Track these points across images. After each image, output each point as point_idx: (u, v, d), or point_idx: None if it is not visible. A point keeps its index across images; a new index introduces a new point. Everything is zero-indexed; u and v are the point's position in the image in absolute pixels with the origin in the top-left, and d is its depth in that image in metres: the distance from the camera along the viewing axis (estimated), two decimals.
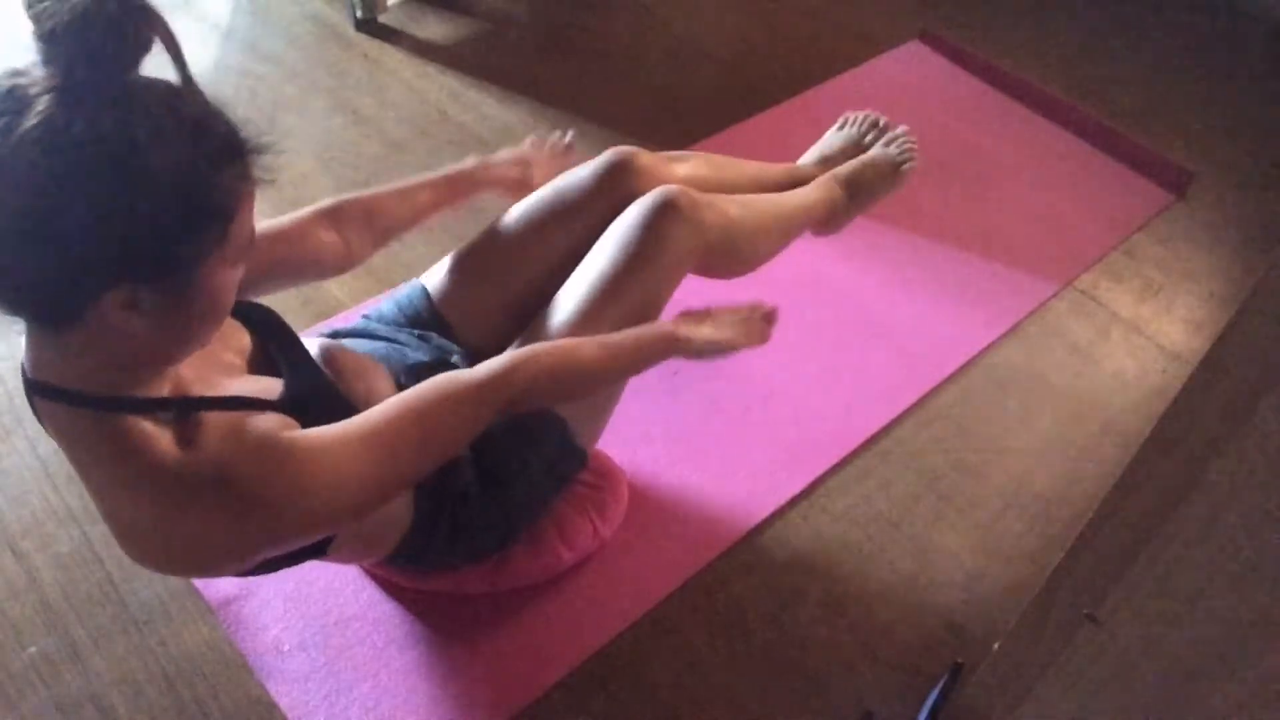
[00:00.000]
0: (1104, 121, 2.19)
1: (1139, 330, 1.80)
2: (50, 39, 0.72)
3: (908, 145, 1.66)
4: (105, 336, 0.78)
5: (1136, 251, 1.95)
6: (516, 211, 1.32)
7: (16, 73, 0.73)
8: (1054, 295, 1.83)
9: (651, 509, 1.42)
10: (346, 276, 1.70)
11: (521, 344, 1.22)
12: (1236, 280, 1.91)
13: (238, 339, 1.01)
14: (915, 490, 1.51)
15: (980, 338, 1.73)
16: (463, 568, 1.25)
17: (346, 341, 1.21)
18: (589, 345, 1.12)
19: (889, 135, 1.68)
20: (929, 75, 2.35)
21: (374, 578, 1.31)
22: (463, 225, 1.82)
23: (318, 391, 1.00)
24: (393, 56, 2.21)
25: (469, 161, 1.35)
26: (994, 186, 2.05)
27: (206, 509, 0.82)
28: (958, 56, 2.37)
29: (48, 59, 0.72)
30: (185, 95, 0.78)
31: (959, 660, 1.26)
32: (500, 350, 1.21)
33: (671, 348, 1.19)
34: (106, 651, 1.24)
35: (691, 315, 1.27)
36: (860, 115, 1.72)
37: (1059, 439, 1.60)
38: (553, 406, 1.21)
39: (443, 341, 1.27)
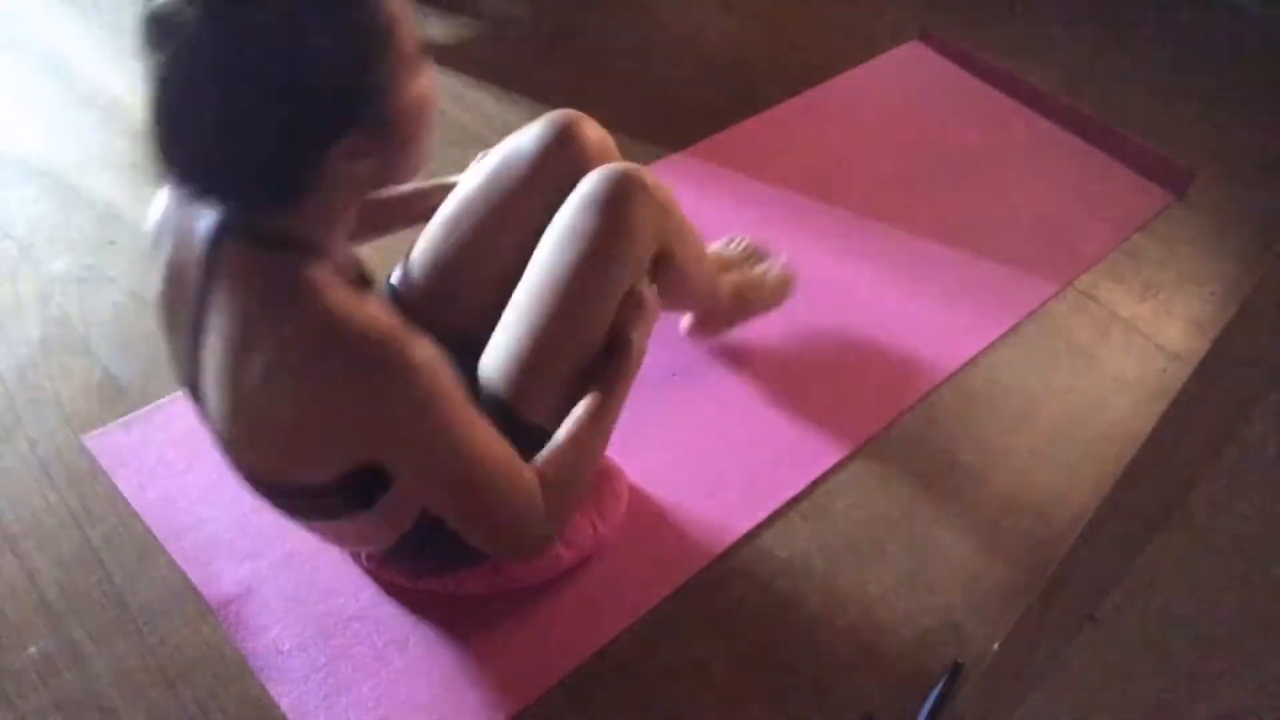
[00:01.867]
0: (1104, 121, 2.19)
1: (1139, 330, 1.80)
2: None
3: (787, 274, 1.61)
4: (341, 187, 0.85)
5: (1136, 251, 1.95)
6: (462, 193, 1.28)
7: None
8: (1054, 295, 1.83)
9: (651, 509, 1.42)
10: None
11: (491, 353, 1.20)
12: (1236, 280, 1.91)
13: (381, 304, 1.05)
14: (915, 490, 1.51)
15: (980, 338, 1.73)
16: (460, 569, 1.25)
17: None
18: (577, 420, 1.13)
19: (770, 261, 1.63)
20: (929, 75, 2.35)
21: (374, 578, 1.31)
22: None
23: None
24: None
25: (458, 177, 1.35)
26: (994, 187, 2.05)
27: (363, 367, 0.86)
28: (958, 56, 2.37)
29: None
30: None
31: (959, 660, 1.26)
32: (477, 338, 1.21)
33: (632, 348, 1.18)
34: (106, 651, 1.24)
35: (631, 301, 1.20)
36: (742, 240, 1.65)
37: (1059, 439, 1.60)
38: (544, 419, 1.18)
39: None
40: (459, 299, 1.28)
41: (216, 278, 0.90)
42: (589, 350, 1.18)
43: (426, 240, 1.30)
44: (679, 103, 2.19)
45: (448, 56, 2.22)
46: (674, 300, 1.41)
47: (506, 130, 2.02)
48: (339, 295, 0.86)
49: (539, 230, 1.22)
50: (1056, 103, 2.23)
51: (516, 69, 2.22)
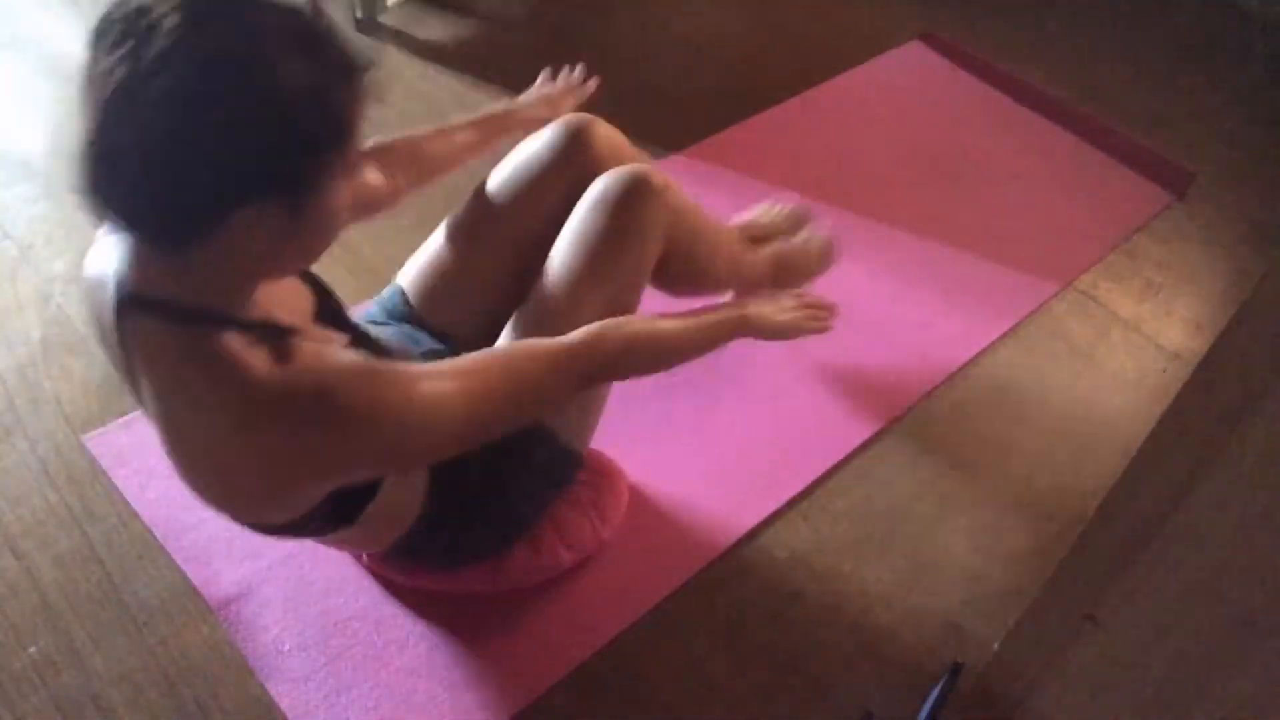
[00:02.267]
0: (1104, 121, 2.19)
1: (1139, 330, 1.80)
2: None
3: (829, 240, 1.59)
4: (228, 254, 0.81)
5: (1136, 251, 1.95)
6: (473, 198, 1.29)
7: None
8: (1054, 295, 1.83)
9: (652, 509, 1.42)
10: (346, 275, 1.71)
11: (509, 336, 1.20)
12: (1236, 280, 1.91)
13: (305, 298, 1.02)
14: (915, 490, 1.51)
15: (980, 338, 1.73)
16: (460, 568, 1.25)
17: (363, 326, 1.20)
18: (670, 320, 1.15)
19: (812, 228, 1.61)
20: (929, 75, 2.35)
21: (375, 577, 1.31)
22: None
23: (372, 347, 1.03)
24: (393, 57, 2.21)
25: (499, 105, 1.37)
26: (994, 186, 2.05)
27: (299, 421, 0.83)
28: (958, 56, 2.37)
29: None
30: (304, 13, 0.79)
31: (959, 660, 1.26)
32: (487, 341, 1.20)
33: (743, 326, 1.21)
34: (106, 651, 1.23)
35: (762, 297, 1.27)
36: (780, 206, 1.64)
37: (1059, 439, 1.60)
38: (548, 416, 1.19)
39: (430, 341, 1.26)
40: (464, 300, 1.28)
41: (131, 349, 0.87)
42: None
43: (435, 241, 1.31)
44: (679, 103, 2.19)
45: (448, 56, 2.22)
46: (701, 290, 1.43)
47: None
48: (253, 360, 0.82)
49: (548, 233, 1.23)
50: (1056, 103, 2.23)
51: (516, 69, 2.21)
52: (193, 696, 1.20)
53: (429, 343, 1.26)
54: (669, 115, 2.15)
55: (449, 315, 1.28)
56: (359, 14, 2.26)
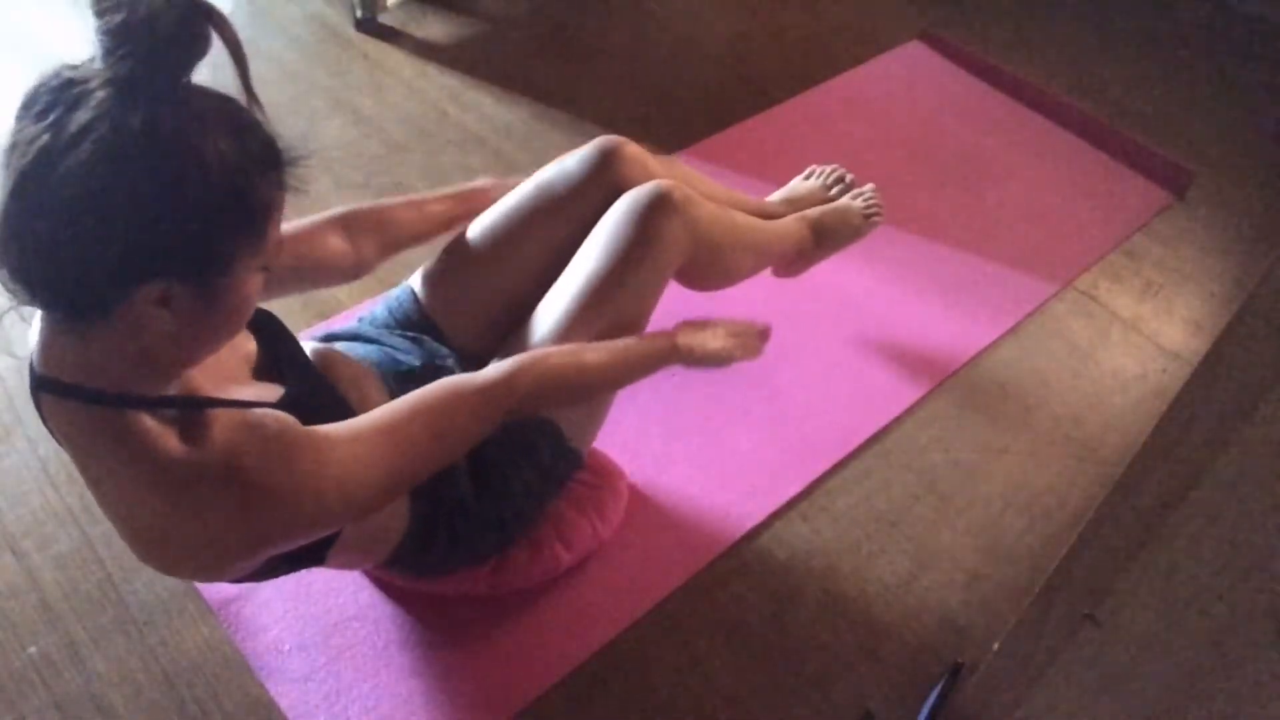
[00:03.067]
0: (1104, 121, 2.19)
1: (1139, 330, 1.80)
2: (114, 34, 0.72)
3: (873, 201, 1.62)
4: (132, 333, 0.79)
5: (1136, 251, 1.95)
6: (501, 208, 1.31)
7: (72, 66, 0.73)
8: (1054, 295, 1.83)
9: (652, 509, 1.42)
10: None
11: (513, 345, 1.22)
12: (1236, 280, 1.91)
13: (244, 346, 1.01)
14: (915, 490, 1.51)
15: (980, 338, 1.73)
16: (460, 568, 1.25)
17: (339, 345, 1.21)
18: (593, 351, 1.14)
19: (856, 190, 1.65)
20: (929, 75, 2.35)
21: (374, 579, 1.31)
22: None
23: (318, 394, 1.01)
24: (393, 56, 2.21)
25: (482, 180, 1.36)
26: (994, 186, 2.05)
27: (214, 502, 0.81)
28: (958, 56, 2.37)
29: (108, 53, 0.72)
30: (234, 101, 0.79)
31: (959, 660, 1.26)
32: (492, 350, 1.22)
33: (672, 356, 1.21)
34: (106, 651, 1.24)
35: (692, 324, 1.27)
36: (828, 168, 1.68)
37: (1059, 439, 1.60)
38: (552, 411, 1.21)
39: (434, 345, 1.26)
40: (479, 309, 1.29)
41: (50, 428, 0.87)
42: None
43: (456, 248, 1.32)
44: (679, 103, 2.19)
45: (448, 56, 2.22)
46: (732, 284, 1.45)
47: (506, 130, 2.03)
48: (161, 442, 0.81)
49: (567, 249, 1.25)
50: (1056, 103, 2.23)
51: (516, 69, 2.22)
52: (193, 696, 1.20)
53: (429, 350, 1.25)
54: (669, 115, 2.15)
55: (460, 321, 1.29)
56: (359, 14, 2.26)
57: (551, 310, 1.21)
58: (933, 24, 2.46)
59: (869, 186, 1.65)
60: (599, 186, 1.28)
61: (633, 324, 1.23)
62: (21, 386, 1.50)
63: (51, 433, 0.88)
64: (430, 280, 1.32)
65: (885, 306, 1.76)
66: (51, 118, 0.71)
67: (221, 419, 0.85)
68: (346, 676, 1.23)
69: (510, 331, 1.26)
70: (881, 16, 2.52)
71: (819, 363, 1.65)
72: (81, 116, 0.70)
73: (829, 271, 1.80)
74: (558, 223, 1.28)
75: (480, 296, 1.30)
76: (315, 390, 1.01)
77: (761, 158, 2.04)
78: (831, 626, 1.34)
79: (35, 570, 1.31)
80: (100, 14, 0.72)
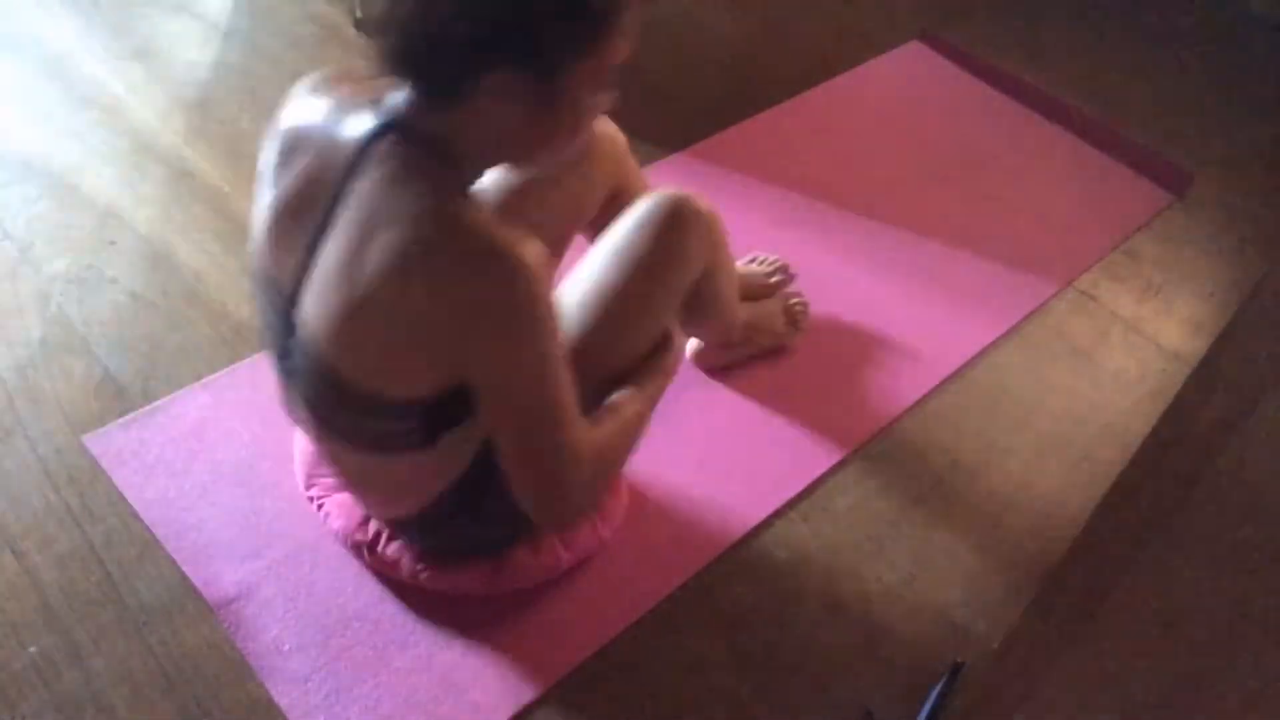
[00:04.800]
0: (1104, 121, 2.19)
1: (1139, 330, 1.80)
2: None
3: (800, 306, 1.65)
4: (481, 121, 0.91)
5: (1136, 251, 1.95)
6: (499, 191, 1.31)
7: None
8: (1054, 295, 1.83)
9: (652, 509, 1.42)
10: None
11: None
12: (1236, 280, 1.91)
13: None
14: (915, 490, 1.51)
15: (980, 338, 1.73)
16: (471, 554, 1.26)
17: None
18: (620, 409, 1.16)
19: (792, 289, 1.67)
20: (929, 75, 2.35)
21: (377, 576, 1.31)
22: None
23: None
24: None
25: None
26: (994, 186, 2.05)
27: (473, 260, 0.90)
28: (958, 56, 2.37)
29: None
30: None
31: (959, 660, 1.26)
32: None
33: (669, 380, 1.26)
34: (106, 651, 1.24)
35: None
36: (770, 256, 1.70)
37: (1059, 439, 1.60)
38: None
39: None
40: None
41: (360, 170, 0.95)
42: (626, 364, 1.21)
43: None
44: (679, 102, 2.19)
45: None
46: (696, 328, 1.47)
47: None
48: (469, 202, 0.92)
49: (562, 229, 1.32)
50: (1056, 103, 2.23)
51: None
52: (193, 696, 1.20)
53: None
54: (669, 115, 2.15)
55: None
56: (359, 13, 2.26)
57: (580, 320, 1.18)
58: (933, 24, 2.46)
59: (798, 291, 1.67)
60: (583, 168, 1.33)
61: (651, 337, 1.23)
62: (22, 386, 1.50)
63: (353, 182, 0.95)
64: None
65: (885, 306, 1.76)
66: None
67: (521, 236, 0.92)
68: (346, 676, 1.22)
69: None
70: (882, 17, 2.52)
71: (819, 363, 1.65)
72: None
73: (829, 271, 1.80)
74: (548, 196, 1.31)
75: None
76: None
77: (762, 158, 2.04)
78: (831, 626, 1.34)
79: (35, 570, 1.31)
80: None
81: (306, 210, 1.00)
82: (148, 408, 1.48)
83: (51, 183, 1.83)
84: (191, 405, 1.49)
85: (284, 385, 1.16)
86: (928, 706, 1.20)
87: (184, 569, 1.30)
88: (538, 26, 0.85)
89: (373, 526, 1.29)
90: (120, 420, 1.46)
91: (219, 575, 1.30)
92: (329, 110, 1.01)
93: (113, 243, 1.73)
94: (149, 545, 1.33)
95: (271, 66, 2.12)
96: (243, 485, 1.39)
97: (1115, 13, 2.63)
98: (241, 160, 1.90)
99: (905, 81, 2.33)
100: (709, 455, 1.50)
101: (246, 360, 1.55)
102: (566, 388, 1.00)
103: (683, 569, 1.36)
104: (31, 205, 1.78)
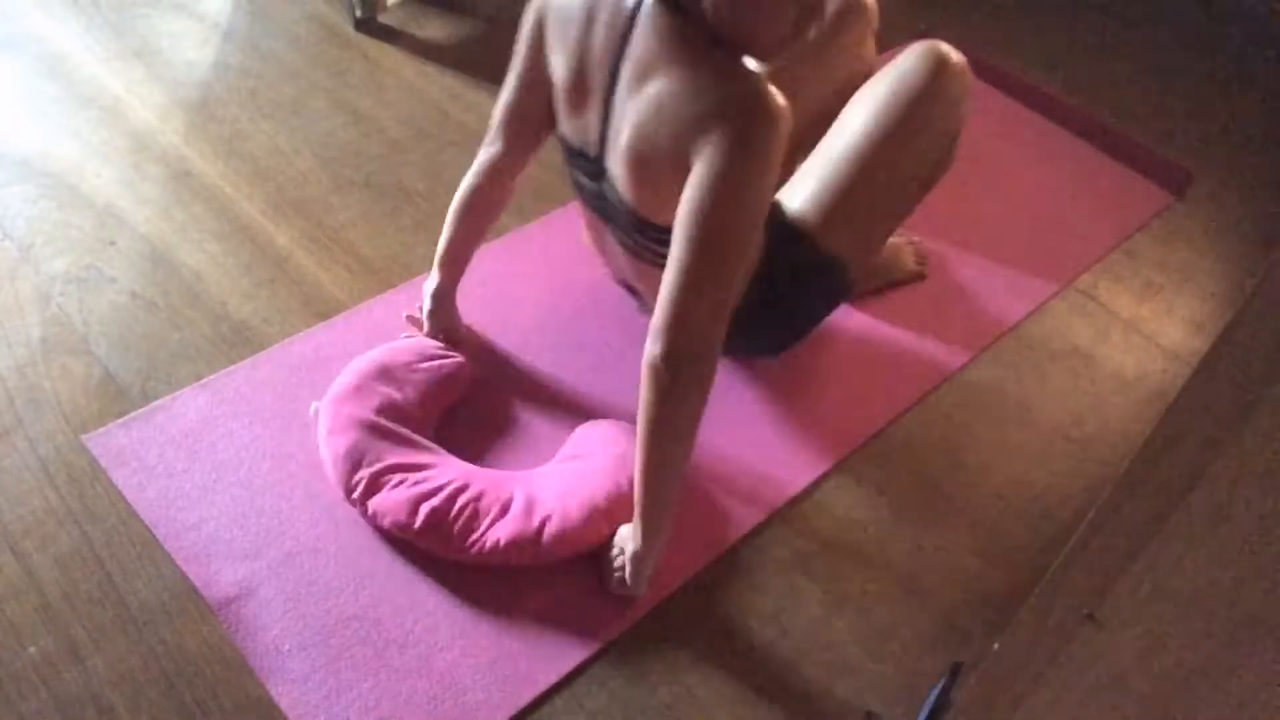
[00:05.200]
0: (1104, 121, 2.19)
1: (1139, 330, 1.80)
2: None
3: (920, 245, 1.83)
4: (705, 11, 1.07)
5: (1136, 251, 1.95)
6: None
7: None
8: (1054, 295, 1.83)
9: None
10: (346, 275, 1.71)
11: (800, 185, 1.41)
12: (1236, 280, 1.91)
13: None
14: (915, 490, 1.51)
15: (980, 337, 1.73)
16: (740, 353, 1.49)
17: None
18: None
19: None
20: None
21: (430, 558, 1.31)
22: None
23: None
24: (393, 56, 2.21)
25: None
26: (994, 186, 2.05)
27: (731, 96, 1.08)
28: None
29: None
30: None
31: (959, 660, 1.26)
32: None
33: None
34: (106, 651, 1.24)
35: None
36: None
37: (1059, 439, 1.60)
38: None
39: None
40: None
41: (631, 40, 1.14)
42: (891, 197, 1.41)
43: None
44: None
45: (448, 56, 2.22)
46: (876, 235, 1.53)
47: None
48: (736, 62, 1.10)
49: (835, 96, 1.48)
50: (1056, 103, 2.23)
51: None
52: (193, 696, 1.20)
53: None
54: None
55: None
56: (359, 14, 2.26)
57: (833, 165, 1.37)
58: (932, 24, 2.46)
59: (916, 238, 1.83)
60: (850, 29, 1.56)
61: (920, 168, 1.40)
62: (22, 386, 1.50)
63: (622, 43, 1.16)
64: None
65: (885, 306, 1.76)
66: None
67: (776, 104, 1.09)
68: (346, 676, 1.23)
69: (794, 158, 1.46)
70: (882, 16, 2.52)
71: (818, 362, 1.65)
72: None
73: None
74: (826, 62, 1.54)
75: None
76: None
77: None
78: (831, 626, 1.34)
79: (35, 570, 1.31)
80: None
81: (592, 82, 1.21)
82: (148, 408, 1.48)
83: (51, 183, 1.83)
84: (191, 405, 1.49)
85: (597, 226, 1.41)
86: (928, 706, 1.20)
87: (184, 569, 1.30)
88: None
89: (423, 513, 1.29)
90: (120, 420, 1.46)
91: (219, 575, 1.30)
92: None
93: (113, 243, 1.73)
94: (149, 545, 1.33)
95: (271, 66, 2.12)
96: (243, 485, 1.39)
97: (1115, 13, 2.63)
98: (241, 160, 1.90)
99: None
100: (709, 456, 1.50)
101: (246, 360, 1.56)
102: (741, 249, 1.12)
103: (683, 569, 1.36)
104: (31, 205, 1.78)
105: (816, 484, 1.49)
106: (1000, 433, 1.60)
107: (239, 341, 1.59)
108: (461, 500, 1.31)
